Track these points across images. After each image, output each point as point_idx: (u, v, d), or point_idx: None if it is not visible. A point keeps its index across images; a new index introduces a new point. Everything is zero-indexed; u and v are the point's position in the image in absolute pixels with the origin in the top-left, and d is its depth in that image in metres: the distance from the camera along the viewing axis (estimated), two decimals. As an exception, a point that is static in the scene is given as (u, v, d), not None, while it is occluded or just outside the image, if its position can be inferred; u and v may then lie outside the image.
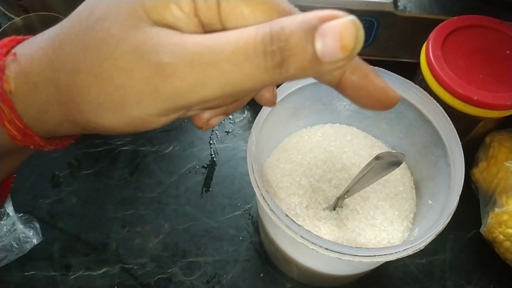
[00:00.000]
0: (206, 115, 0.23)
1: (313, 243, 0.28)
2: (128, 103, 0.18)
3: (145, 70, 0.17)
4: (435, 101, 0.34)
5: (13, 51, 0.19)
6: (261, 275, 0.43)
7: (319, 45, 0.16)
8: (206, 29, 0.19)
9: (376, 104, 0.20)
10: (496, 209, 0.41)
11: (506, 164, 0.42)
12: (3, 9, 0.51)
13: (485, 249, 0.43)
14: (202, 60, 0.17)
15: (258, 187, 0.30)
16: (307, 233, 0.28)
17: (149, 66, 0.17)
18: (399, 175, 0.39)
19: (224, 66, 0.17)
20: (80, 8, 0.19)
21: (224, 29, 0.19)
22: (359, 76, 0.20)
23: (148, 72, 0.17)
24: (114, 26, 0.17)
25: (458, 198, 0.30)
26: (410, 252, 0.28)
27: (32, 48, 0.19)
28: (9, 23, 0.46)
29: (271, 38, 0.16)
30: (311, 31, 0.16)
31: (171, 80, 0.17)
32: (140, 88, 0.17)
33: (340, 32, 0.16)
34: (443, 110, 0.34)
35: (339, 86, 0.20)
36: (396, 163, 0.31)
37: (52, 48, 0.19)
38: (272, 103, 0.24)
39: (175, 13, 0.18)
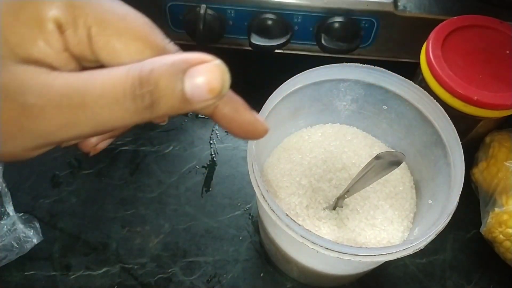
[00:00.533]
0: (93, 140, 0.23)
1: (313, 242, 0.27)
2: None
3: (11, 110, 0.16)
4: (435, 101, 0.34)
5: None
6: (261, 275, 0.43)
7: (188, 88, 0.17)
8: (80, 61, 0.19)
9: (246, 135, 0.22)
10: (496, 209, 0.41)
11: (506, 164, 0.42)
12: None
13: (485, 249, 0.43)
14: (71, 103, 0.16)
15: (259, 186, 0.30)
16: (307, 233, 0.28)
17: (15, 106, 0.16)
18: (399, 175, 0.39)
19: (93, 108, 0.17)
20: None
21: (97, 61, 0.19)
22: (230, 109, 0.21)
23: (14, 112, 0.16)
24: None
25: (458, 198, 0.30)
26: (410, 251, 0.28)
27: None
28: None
29: (140, 82, 0.16)
30: (180, 74, 0.17)
31: (38, 121, 0.17)
32: (7, 128, 0.17)
33: (207, 76, 0.17)
34: (443, 110, 0.34)
35: (212, 116, 0.21)
36: (396, 163, 0.31)
37: None
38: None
39: (43, 49, 0.18)
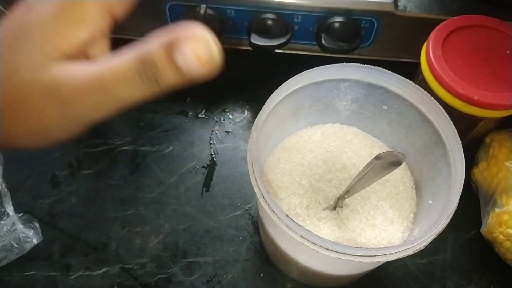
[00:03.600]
0: None
1: (313, 243, 0.27)
2: (49, 132, 0.22)
3: (54, 105, 0.21)
4: (435, 101, 0.34)
5: None
6: (261, 275, 0.43)
7: (181, 62, 0.20)
8: None
9: None
10: (497, 209, 0.41)
11: (506, 164, 0.42)
12: (3, 9, 0.51)
13: (485, 249, 0.43)
14: (94, 89, 0.21)
15: (259, 187, 0.30)
16: (307, 233, 0.28)
17: (56, 101, 0.21)
18: (399, 175, 0.38)
19: (111, 91, 0.21)
20: None
21: None
22: None
23: (57, 106, 0.21)
24: (27, 73, 0.21)
25: (458, 198, 0.30)
26: (410, 252, 0.28)
27: None
28: (9, 23, 0.46)
29: (143, 65, 0.20)
30: (172, 51, 0.20)
31: (74, 108, 0.21)
32: (54, 120, 0.21)
33: (194, 51, 0.20)
34: (443, 110, 0.34)
35: None
36: (397, 163, 0.31)
37: None
38: None
39: (77, 48, 0.22)
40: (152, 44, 0.20)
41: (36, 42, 0.21)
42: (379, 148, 0.41)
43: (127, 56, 0.21)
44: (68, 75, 0.21)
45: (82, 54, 0.23)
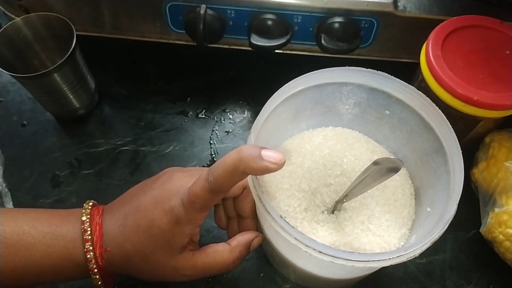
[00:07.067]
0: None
1: (306, 245, 0.27)
2: (158, 279, 0.36)
3: (180, 277, 0.35)
4: (437, 108, 0.34)
5: (106, 248, 0.34)
6: (261, 275, 0.43)
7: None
8: None
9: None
10: (496, 209, 0.41)
11: (506, 164, 0.42)
12: (3, 9, 0.51)
13: (485, 249, 0.43)
14: (205, 274, 0.35)
15: (255, 187, 0.30)
16: (301, 236, 0.27)
17: (181, 277, 0.35)
18: (399, 181, 0.38)
19: (214, 272, 0.35)
20: (134, 249, 0.34)
21: None
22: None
23: (181, 277, 0.35)
24: (162, 257, 0.33)
25: (455, 207, 0.30)
26: (404, 259, 0.28)
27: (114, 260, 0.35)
28: (9, 23, 0.46)
29: (239, 259, 0.36)
30: (248, 248, 0.37)
31: (181, 278, 0.35)
32: (167, 278, 0.35)
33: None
34: (444, 117, 0.33)
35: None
36: (395, 169, 0.30)
37: (125, 264, 0.35)
38: None
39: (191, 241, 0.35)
40: (243, 251, 0.35)
41: (167, 242, 0.33)
42: (381, 153, 0.41)
43: (227, 256, 0.34)
44: (190, 264, 0.34)
45: (191, 240, 0.34)
